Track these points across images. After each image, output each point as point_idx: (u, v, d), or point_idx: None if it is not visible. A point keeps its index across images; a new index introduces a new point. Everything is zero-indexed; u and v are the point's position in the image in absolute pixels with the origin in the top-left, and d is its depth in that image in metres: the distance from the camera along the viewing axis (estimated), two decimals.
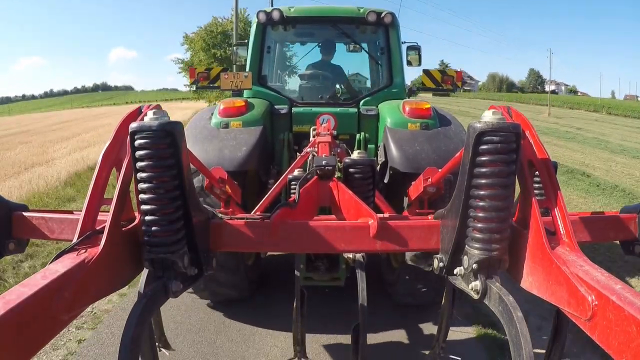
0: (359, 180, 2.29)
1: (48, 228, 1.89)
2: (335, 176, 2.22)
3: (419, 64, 5.27)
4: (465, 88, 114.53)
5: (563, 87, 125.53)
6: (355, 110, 4.34)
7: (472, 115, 26.41)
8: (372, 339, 3.43)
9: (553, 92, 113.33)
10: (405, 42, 5.07)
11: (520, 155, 1.45)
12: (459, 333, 3.56)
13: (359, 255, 2.15)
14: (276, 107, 4.26)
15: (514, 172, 1.42)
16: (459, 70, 4.72)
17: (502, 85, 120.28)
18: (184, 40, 34.09)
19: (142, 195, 1.49)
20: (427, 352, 2.81)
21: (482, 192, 1.43)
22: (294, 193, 2.30)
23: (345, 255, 2.40)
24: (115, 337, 3.46)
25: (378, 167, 3.57)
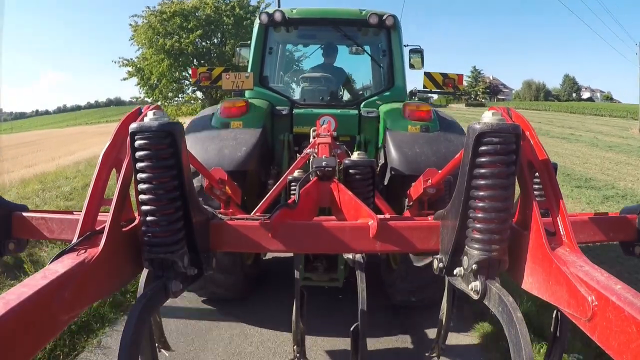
0: (359, 181, 2.29)
1: (48, 228, 1.89)
2: (336, 177, 2.22)
3: (422, 67, 5.28)
4: (499, 97, 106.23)
5: (599, 94, 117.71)
6: (356, 111, 4.34)
7: None
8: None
9: (589, 99, 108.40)
10: (407, 45, 5.08)
11: (520, 156, 1.45)
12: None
13: (358, 256, 2.15)
14: (277, 108, 4.27)
15: (513, 173, 1.42)
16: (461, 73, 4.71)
17: (539, 93, 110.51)
18: (133, 33, 24.41)
19: (142, 196, 1.49)
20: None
21: (481, 193, 1.42)
22: (293, 194, 2.30)
23: (345, 255, 2.40)
24: None
25: (378, 169, 3.57)
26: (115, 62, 25.25)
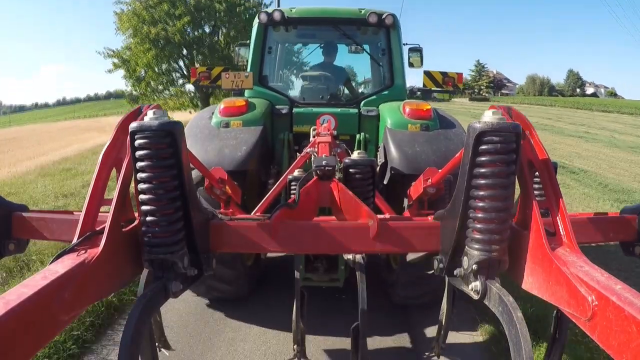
0: (359, 181, 2.29)
1: (48, 229, 1.89)
2: (336, 177, 2.22)
3: (421, 66, 5.29)
4: (503, 92, 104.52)
5: (603, 90, 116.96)
6: (356, 110, 4.34)
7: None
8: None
9: (593, 94, 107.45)
10: (407, 44, 5.09)
11: (520, 156, 1.45)
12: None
13: (359, 256, 2.15)
14: (277, 107, 4.27)
15: (513, 172, 1.42)
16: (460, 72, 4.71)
17: (544, 88, 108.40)
18: (117, 21, 22.30)
19: (142, 196, 1.49)
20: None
21: (482, 193, 1.42)
22: (294, 193, 2.30)
23: (345, 256, 2.40)
24: None
25: (378, 168, 3.57)
26: (100, 53, 23.54)
